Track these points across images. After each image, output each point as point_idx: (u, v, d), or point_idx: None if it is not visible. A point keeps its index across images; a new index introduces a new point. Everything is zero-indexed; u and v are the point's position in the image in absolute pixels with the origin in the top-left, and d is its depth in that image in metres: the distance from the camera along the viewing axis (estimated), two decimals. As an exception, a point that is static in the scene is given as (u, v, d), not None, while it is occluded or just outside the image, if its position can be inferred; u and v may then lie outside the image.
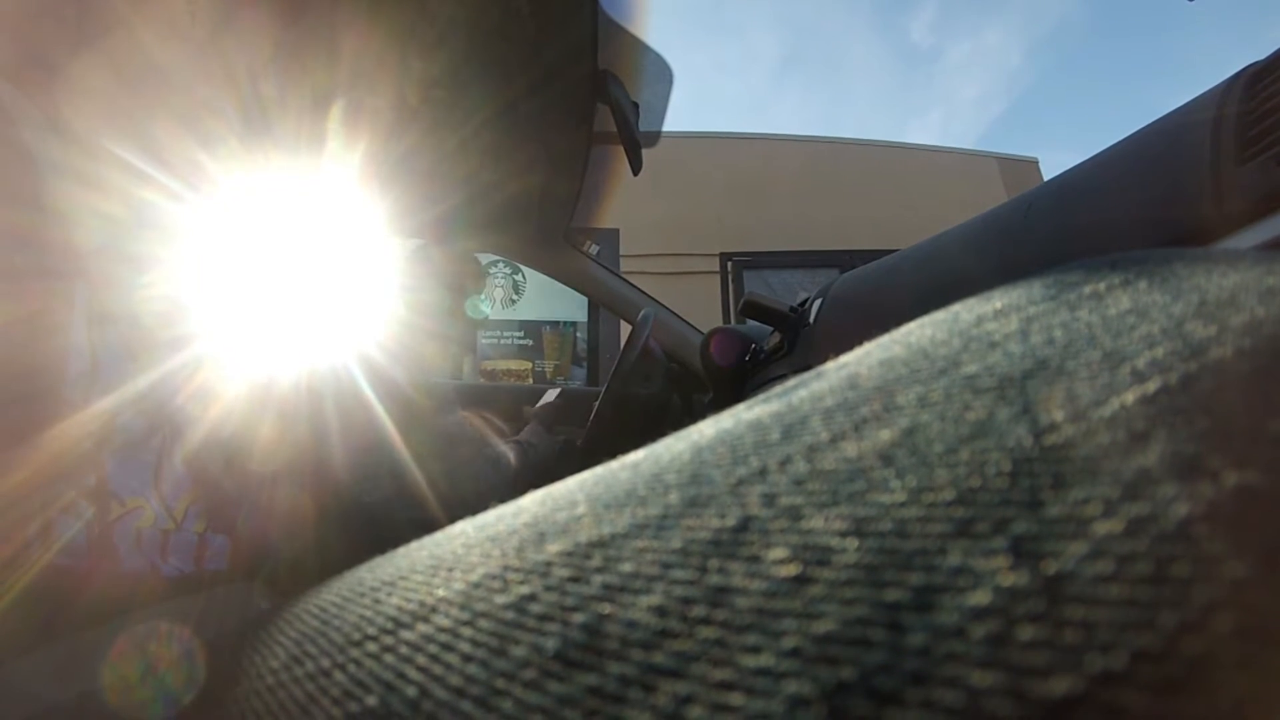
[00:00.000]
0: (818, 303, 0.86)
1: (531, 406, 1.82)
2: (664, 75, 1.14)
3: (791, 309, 0.96)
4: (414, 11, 0.88)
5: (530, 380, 4.01)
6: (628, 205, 4.00)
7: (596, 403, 1.33)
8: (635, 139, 1.05)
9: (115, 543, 0.47)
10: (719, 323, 4.67)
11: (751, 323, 1.11)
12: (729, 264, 4.96)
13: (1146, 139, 0.50)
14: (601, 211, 1.63)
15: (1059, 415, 0.13)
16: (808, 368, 0.85)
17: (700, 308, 4.13)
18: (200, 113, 0.57)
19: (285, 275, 0.82)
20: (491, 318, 4.08)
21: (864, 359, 0.20)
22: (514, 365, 4.04)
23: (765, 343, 1.08)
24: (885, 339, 0.21)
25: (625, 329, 1.90)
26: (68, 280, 0.47)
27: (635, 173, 1.12)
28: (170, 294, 0.57)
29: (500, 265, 4.16)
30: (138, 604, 0.47)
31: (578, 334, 4.16)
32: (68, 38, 0.56)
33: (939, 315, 0.21)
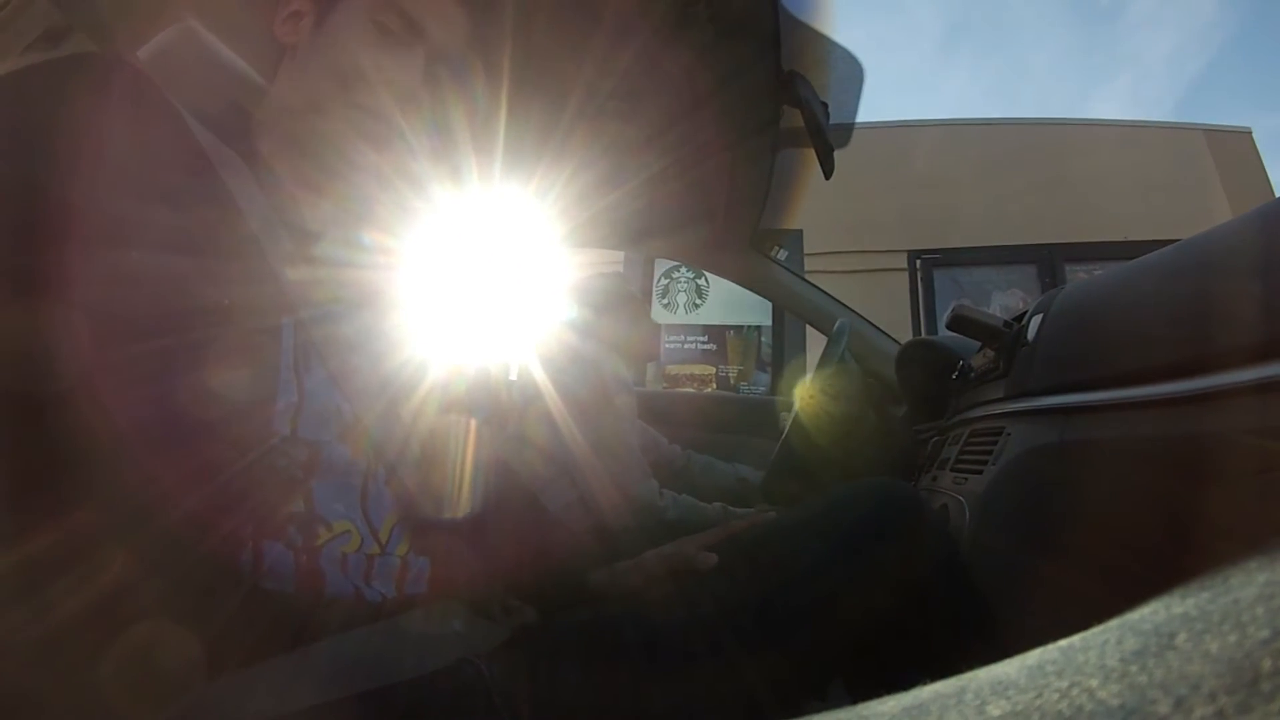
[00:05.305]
0: (1038, 318, 0.75)
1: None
2: (854, 71, 1.05)
3: (1006, 324, 0.85)
4: (587, 20, 0.87)
5: (714, 385, 3.99)
6: (809, 202, 3.83)
7: (790, 417, 1.27)
8: (827, 141, 0.98)
9: (321, 568, 0.49)
10: (906, 323, 4.38)
11: (955, 335, 1.00)
12: (918, 262, 4.63)
13: None
14: (789, 213, 1.56)
15: None
16: (1027, 394, 0.74)
17: (885, 307, 3.88)
18: (391, 141, 0.59)
19: (478, 294, 0.85)
20: (675, 322, 4.11)
21: None
22: (697, 370, 4.04)
23: (972, 360, 0.97)
24: None
25: (811, 332, 1.81)
26: (275, 318, 0.50)
27: (827, 176, 1.05)
28: (370, 322, 0.59)
29: (683, 269, 4.17)
30: (336, 629, 0.48)
31: (762, 338, 4.07)
32: (260, 84, 0.60)
33: None
